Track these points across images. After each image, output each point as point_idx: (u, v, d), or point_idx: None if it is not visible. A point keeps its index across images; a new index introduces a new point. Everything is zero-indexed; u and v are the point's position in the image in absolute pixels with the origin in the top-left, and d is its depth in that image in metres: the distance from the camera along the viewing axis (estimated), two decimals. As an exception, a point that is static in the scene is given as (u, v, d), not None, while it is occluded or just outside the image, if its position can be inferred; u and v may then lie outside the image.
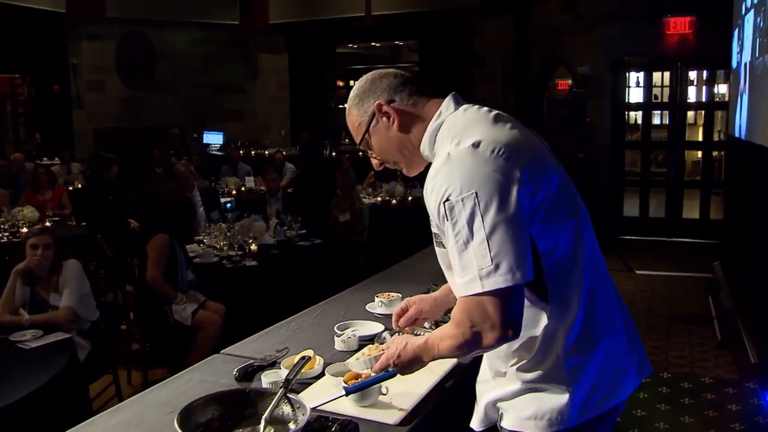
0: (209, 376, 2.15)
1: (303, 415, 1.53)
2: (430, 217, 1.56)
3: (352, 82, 13.71)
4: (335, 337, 2.40)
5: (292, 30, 13.18)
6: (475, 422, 1.75)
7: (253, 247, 5.12)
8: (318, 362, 2.16)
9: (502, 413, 1.65)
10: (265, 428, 1.51)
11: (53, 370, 2.91)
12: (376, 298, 2.83)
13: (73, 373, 3.10)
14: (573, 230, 1.53)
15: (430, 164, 1.61)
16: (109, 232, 5.74)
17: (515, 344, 1.54)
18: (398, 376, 1.74)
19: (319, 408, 1.76)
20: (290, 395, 1.61)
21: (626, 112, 9.56)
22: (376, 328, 2.54)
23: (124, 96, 12.47)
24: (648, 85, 9.17)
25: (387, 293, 2.85)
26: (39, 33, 11.31)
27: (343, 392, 1.74)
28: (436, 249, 1.65)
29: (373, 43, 14.57)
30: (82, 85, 12.11)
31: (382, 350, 1.93)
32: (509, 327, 1.40)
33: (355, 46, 14.37)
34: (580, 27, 9.01)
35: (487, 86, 11.29)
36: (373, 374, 1.78)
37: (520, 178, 1.42)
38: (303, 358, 1.83)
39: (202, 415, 1.53)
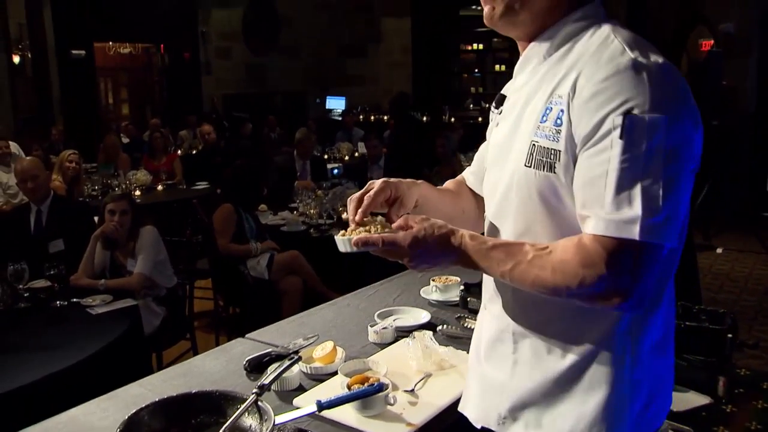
0: (221, 365, 1.98)
1: (266, 430, 1.29)
2: (544, 129, 1.19)
3: (475, 46, 13.42)
4: (369, 327, 2.15)
5: (415, -8, 12.85)
6: (471, 411, 1.40)
7: (344, 216, 4.93)
8: (340, 355, 1.92)
9: (516, 421, 1.29)
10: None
11: (110, 336, 2.87)
12: (431, 282, 2.55)
13: (133, 340, 3.07)
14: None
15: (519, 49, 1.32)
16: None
17: (585, 329, 1.21)
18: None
19: (320, 414, 1.52)
20: (261, 404, 1.37)
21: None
22: (421, 317, 2.26)
23: (249, 62, 12.74)
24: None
25: (445, 276, 2.56)
26: (171, 2, 11.72)
27: (315, 409, 1.47)
28: (528, 172, 1.21)
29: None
30: (211, 52, 12.49)
31: (377, 227, 1.28)
32: (643, 298, 1.11)
33: (479, 9, 13.73)
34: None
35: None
36: (357, 245, 1.23)
37: (700, 127, 1.15)
38: (292, 358, 1.58)
39: (148, 427, 1.32)
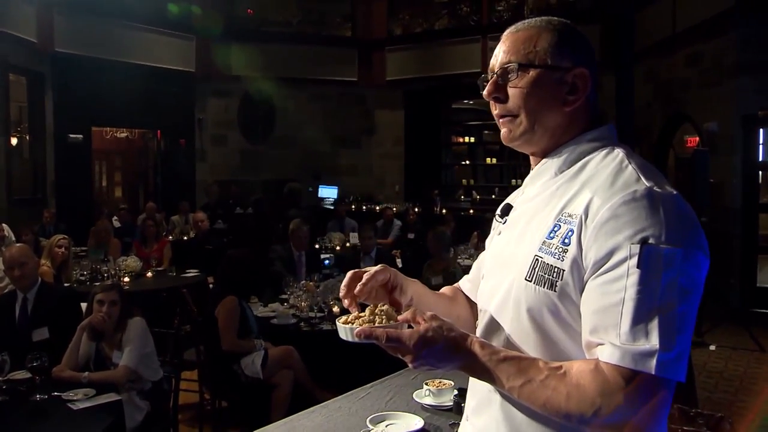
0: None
1: None
2: (551, 246, 1.18)
3: (467, 139, 13.76)
4: (362, 434, 2.08)
5: (408, 86, 13.27)
6: None
7: (335, 309, 4.89)
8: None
9: None
10: None
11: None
12: (424, 385, 2.49)
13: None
14: None
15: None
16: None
17: None
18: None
19: None
20: None
21: (760, 172, 8.64)
22: (414, 424, 2.20)
23: (244, 149, 12.95)
24: (786, 143, 8.25)
25: (438, 380, 2.50)
26: (169, 91, 12.01)
27: None
28: (528, 286, 1.20)
29: (491, 100, 14.33)
30: (206, 138, 12.70)
31: (382, 317, 1.23)
32: (650, 430, 1.09)
33: (471, 102, 14.20)
34: (707, 80, 8.37)
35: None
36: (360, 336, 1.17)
37: (708, 260, 1.14)
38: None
39: None
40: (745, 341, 6.55)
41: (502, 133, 1.33)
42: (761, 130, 8.22)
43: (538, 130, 1.28)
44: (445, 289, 1.62)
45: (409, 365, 1.18)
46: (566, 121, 1.28)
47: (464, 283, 1.61)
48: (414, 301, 1.41)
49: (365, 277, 1.34)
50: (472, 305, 1.54)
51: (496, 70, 1.31)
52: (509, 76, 1.28)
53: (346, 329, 1.20)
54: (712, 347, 6.54)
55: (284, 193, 8.34)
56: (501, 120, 1.32)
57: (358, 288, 1.33)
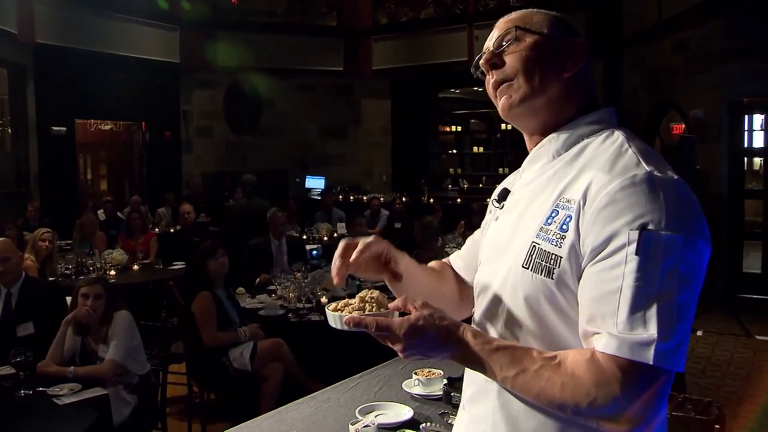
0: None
1: None
2: (548, 233, 1.15)
3: (454, 128, 13.81)
4: (350, 425, 2.06)
5: (395, 75, 13.22)
6: None
7: (324, 300, 4.86)
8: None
9: None
10: None
11: (77, 429, 2.74)
12: (413, 375, 2.47)
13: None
14: None
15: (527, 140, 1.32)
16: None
17: None
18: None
19: None
20: None
21: (745, 158, 8.71)
22: (404, 413, 2.19)
23: (230, 141, 12.86)
24: (772, 129, 8.31)
25: (427, 369, 2.49)
26: (153, 82, 11.89)
27: None
28: (525, 273, 1.17)
29: (476, 88, 14.33)
30: (192, 130, 12.60)
31: (372, 304, 1.21)
32: (651, 422, 1.06)
33: (457, 91, 14.19)
34: (694, 68, 8.39)
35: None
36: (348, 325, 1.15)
37: (710, 246, 1.12)
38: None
39: None
40: (731, 326, 6.60)
41: (501, 103, 1.28)
42: (747, 117, 8.27)
43: (538, 97, 1.25)
44: (433, 264, 1.58)
45: (400, 355, 1.15)
46: (564, 90, 1.25)
47: (455, 260, 1.58)
48: (404, 274, 1.39)
49: (359, 246, 1.30)
50: (461, 283, 1.52)
51: (494, 43, 1.30)
52: (506, 42, 1.27)
53: (335, 317, 1.17)
54: (699, 333, 6.58)
55: (239, 184, 8.33)
56: (499, 89, 1.28)
57: (353, 256, 1.29)
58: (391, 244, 1.38)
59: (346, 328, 1.14)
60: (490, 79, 1.30)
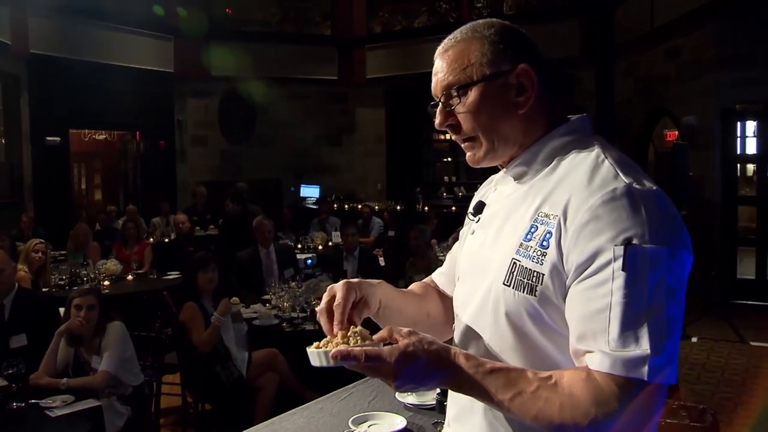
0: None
1: None
2: (528, 249, 1.14)
3: (448, 136, 13.87)
4: (343, 435, 2.06)
5: (389, 84, 13.24)
6: None
7: (317, 309, 4.84)
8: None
9: None
10: None
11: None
12: (407, 384, 2.47)
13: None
14: None
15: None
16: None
17: None
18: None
19: None
20: None
21: (738, 165, 8.77)
22: (397, 423, 2.18)
23: (225, 150, 12.86)
24: (764, 135, 8.33)
25: (421, 379, 2.48)
26: (147, 92, 11.88)
27: None
28: (506, 291, 1.16)
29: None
30: (186, 139, 12.59)
31: (356, 338, 1.16)
32: None
33: (452, 100, 14.16)
34: (686, 75, 8.44)
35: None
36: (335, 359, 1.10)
37: (692, 256, 1.11)
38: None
39: None
40: (726, 333, 6.61)
41: (467, 156, 1.29)
42: (740, 124, 8.32)
43: (500, 145, 1.25)
44: (413, 287, 1.57)
45: (391, 386, 1.11)
46: (526, 122, 1.24)
47: (438, 277, 1.57)
48: (382, 304, 1.35)
49: (338, 309, 1.23)
50: (446, 301, 1.50)
51: (439, 96, 1.27)
52: (452, 101, 1.24)
53: (319, 354, 1.12)
54: (694, 339, 6.59)
55: (229, 194, 8.30)
56: (463, 145, 1.29)
57: (336, 327, 1.21)
58: (361, 282, 1.32)
59: (332, 364, 1.10)
60: (453, 137, 1.30)
